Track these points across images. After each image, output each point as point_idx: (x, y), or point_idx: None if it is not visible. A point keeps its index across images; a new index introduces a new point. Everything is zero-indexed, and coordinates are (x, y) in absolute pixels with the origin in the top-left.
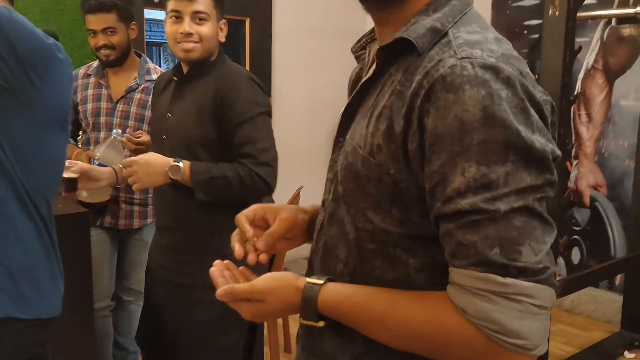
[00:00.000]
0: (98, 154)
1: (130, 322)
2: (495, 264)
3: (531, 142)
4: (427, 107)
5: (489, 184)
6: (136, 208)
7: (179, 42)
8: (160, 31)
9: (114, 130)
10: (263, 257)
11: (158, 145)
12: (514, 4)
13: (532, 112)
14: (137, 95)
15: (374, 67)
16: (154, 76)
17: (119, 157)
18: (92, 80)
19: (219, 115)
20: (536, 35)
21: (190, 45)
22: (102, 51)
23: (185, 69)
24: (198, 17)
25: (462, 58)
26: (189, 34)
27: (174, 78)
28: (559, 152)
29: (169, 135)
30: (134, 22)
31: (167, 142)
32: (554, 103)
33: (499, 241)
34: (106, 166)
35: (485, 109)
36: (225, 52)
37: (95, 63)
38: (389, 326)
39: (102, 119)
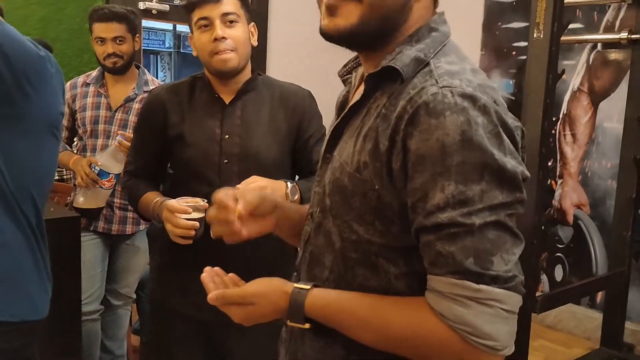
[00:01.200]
0: (100, 161)
1: (118, 326)
2: (470, 272)
3: (504, 164)
4: (411, 129)
5: (466, 201)
6: (130, 214)
7: (215, 54)
8: (158, 39)
9: (119, 137)
10: (240, 208)
11: (215, 170)
12: (504, 26)
13: (505, 137)
14: (136, 105)
15: (360, 90)
16: (152, 87)
17: (119, 164)
18: (91, 89)
19: (298, 134)
20: (524, 57)
21: (227, 54)
22: (110, 59)
23: (217, 85)
24: (228, 20)
25: (443, 87)
26: (223, 38)
27: (216, 96)
28: (527, 174)
29: (233, 158)
30: (138, 35)
31: (232, 165)
32: (523, 129)
33: (474, 252)
34: (108, 173)
35: (464, 134)
36: None
37: (94, 72)
38: (372, 328)
39: (101, 127)
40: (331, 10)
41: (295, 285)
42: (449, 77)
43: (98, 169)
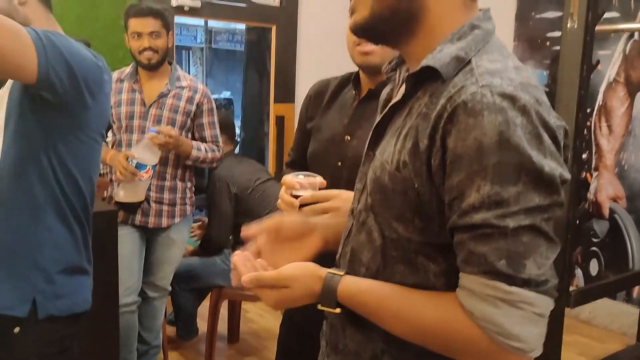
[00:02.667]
0: (136, 154)
1: (154, 317)
2: (502, 274)
3: (541, 166)
4: (449, 128)
5: (501, 202)
6: (165, 207)
7: (357, 45)
8: (190, 35)
9: (151, 128)
10: None
11: (328, 172)
12: (537, 16)
13: (545, 137)
14: (169, 101)
15: (403, 89)
16: (184, 83)
17: (154, 156)
18: (125, 84)
19: None
20: (558, 47)
21: (368, 48)
22: (146, 53)
23: (366, 82)
24: None
25: (483, 86)
26: None
27: (354, 92)
28: (567, 176)
29: (347, 162)
30: (171, 32)
31: (344, 170)
32: (567, 128)
33: (506, 254)
34: (145, 165)
35: (502, 134)
36: (253, 59)
37: (128, 69)
38: (403, 320)
39: (136, 122)
40: (352, 10)
41: (329, 270)
42: (490, 76)
43: (135, 162)
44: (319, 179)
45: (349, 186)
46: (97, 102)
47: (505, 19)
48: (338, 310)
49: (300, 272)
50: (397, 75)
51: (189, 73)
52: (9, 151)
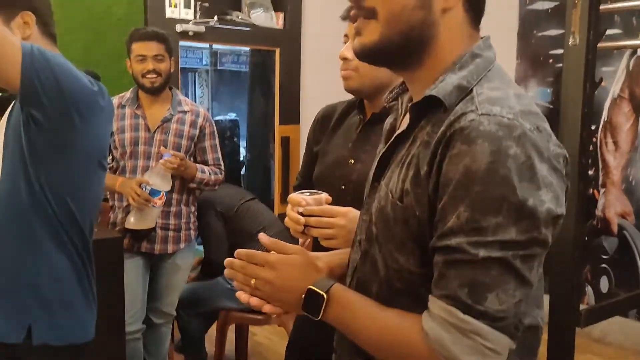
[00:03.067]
0: (151, 180)
1: (160, 344)
2: (461, 301)
3: (524, 200)
4: (445, 153)
5: (479, 230)
6: (171, 233)
7: (341, 69)
8: (195, 57)
9: (166, 153)
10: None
11: (333, 195)
12: (539, 34)
13: (539, 168)
14: (174, 125)
15: (407, 118)
16: (186, 107)
17: (167, 182)
18: (127, 110)
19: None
20: (561, 65)
21: (346, 73)
22: (149, 76)
23: (369, 107)
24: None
25: (482, 114)
26: (346, 59)
27: (359, 117)
28: (559, 211)
29: (351, 186)
30: (174, 57)
31: (348, 194)
32: (567, 156)
33: (470, 282)
34: (159, 191)
35: (490, 164)
36: (257, 81)
37: (128, 94)
38: (369, 326)
39: (141, 148)
40: (358, 32)
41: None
42: (489, 104)
43: (149, 189)
44: (324, 196)
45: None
46: (90, 126)
47: (507, 37)
48: (324, 296)
49: (298, 259)
50: (400, 104)
51: (195, 95)
52: (7, 177)
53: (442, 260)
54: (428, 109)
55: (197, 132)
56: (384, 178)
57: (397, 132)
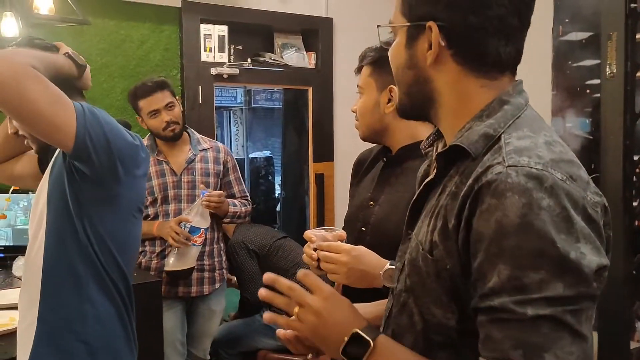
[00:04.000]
0: (190, 218)
1: None
2: None
3: (566, 253)
4: (474, 208)
5: (522, 288)
6: (206, 274)
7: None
8: (230, 96)
9: (203, 191)
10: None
11: (354, 236)
12: (574, 64)
13: (577, 220)
14: (198, 165)
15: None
16: (205, 145)
17: (206, 219)
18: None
19: None
20: (599, 95)
21: (355, 124)
22: (170, 127)
23: (392, 149)
24: (359, 92)
25: (509, 166)
26: (354, 112)
27: (383, 159)
28: (604, 262)
29: (369, 228)
30: (178, 97)
31: (366, 235)
32: (606, 204)
33: (523, 343)
34: (199, 228)
35: (523, 217)
36: (291, 118)
37: (146, 141)
38: None
39: (170, 193)
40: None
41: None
42: (517, 155)
43: (189, 226)
44: (337, 232)
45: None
46: (132, 178)
47: (541, 69)
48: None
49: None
50: (434, 150)
51: (230, 132)
52: (52, 227)
53: (487, 320)
54: (455, 158)
55: (221, 167)
56: (415, 227)
57: (427, 180)
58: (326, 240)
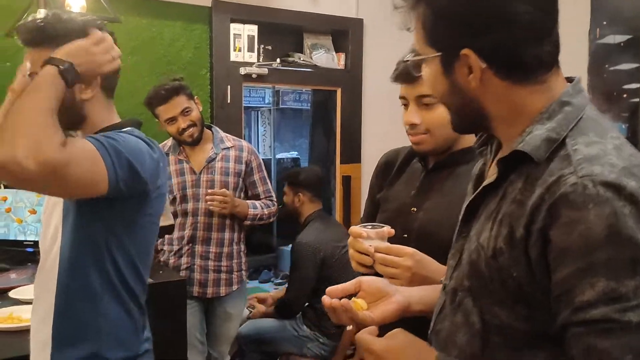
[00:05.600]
0: None
1: None
2: None
3: None
4: (549, 221)
5: (620, 297)
6: (223, 276)
7: (408, 133)
8: (258, 96)
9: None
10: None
11: (394, 243)
12: (611, 68)
13: None
14: (218, 164)
15: (494, 169)
16: (228, 144)
17: None
18: (171, 157)
19: None
20: (637, 99)
21: (417, 138)
22: (187, 132)
23: (434, 156)
24: (424, 102)
25: (583, 176)
26: (413, 124)
27: (421, 164)
28: None
29: (413, 234)
30: (196, 97)
31: (410, 242)
32: None
33: (633, 349)
34: None
35: (611, 227)
36: (319, 119)
37: (169, 142)
38: None
39: (189, 191)
40: None
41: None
42: (589, 164)
43: None
44: (386, 229)
45: None
46: (157, 191)
47: (577, 72)
48: None
49: (405, 342)
50: (489, 149)
51: (257, 133)
52: (67, 242)
53: (586, 332)
54: (517, 162)
55: (243, 167)
56: (472, 227)
57: (486, 182)
58: (372, 238)
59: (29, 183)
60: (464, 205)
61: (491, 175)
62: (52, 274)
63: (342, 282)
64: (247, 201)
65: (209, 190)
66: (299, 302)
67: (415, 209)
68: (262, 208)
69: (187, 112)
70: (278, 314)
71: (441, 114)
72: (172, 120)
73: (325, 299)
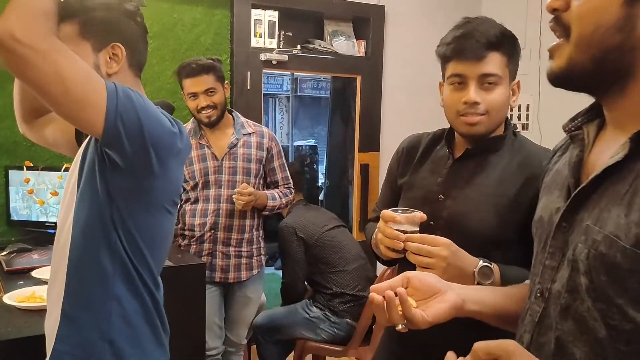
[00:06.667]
0: None
1: None
2: None
3: None
4: None
5: None
6: (244, 260)
7: (461, 115)
8: (276, 83)
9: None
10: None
11: (420, 231)
12: None
13: None
14: (240, 150)
15: (603, 149)
16: (249, 129)
17: None
18: (192, 142)
19: (532, 210)
20: None
21: (475, 119)
22: (205, 112)
23: (461, 141)
24: (487, 82)
25: None
26: (475, 104)
27: (447, 150)
28: None
29: (441, 222)
30: (227, 82)
31: (436, 230)
32: None
33: None
34: None
35: None
36: (338, 107)
37: (190, 125)
38: None
39: (212, 178)
40: (550, 54)
41: None
42: None
43: None
44: (418, 214)
45: None
46: (167, 170)
47: None
48: None
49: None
50: (585, 134)
51: (275, 120)
52: (79, 214)
53: None
54: None
55: (264, 153)
56: (585, 218)
57: (611, 161)
58: (405, 222)
59: (13, 61)
60: (572, 196)
61: (615, 155)
62: (65, 248)
63: (333, 261)
64: (266, 192)
65: (236, 190)
66: (296, 283)
67: (442, 197)
68: (280, 198)
69: (211, 92)
70: (285, 299)
71: (501, 95)
72: (194, 95)
73: (374, 296)
